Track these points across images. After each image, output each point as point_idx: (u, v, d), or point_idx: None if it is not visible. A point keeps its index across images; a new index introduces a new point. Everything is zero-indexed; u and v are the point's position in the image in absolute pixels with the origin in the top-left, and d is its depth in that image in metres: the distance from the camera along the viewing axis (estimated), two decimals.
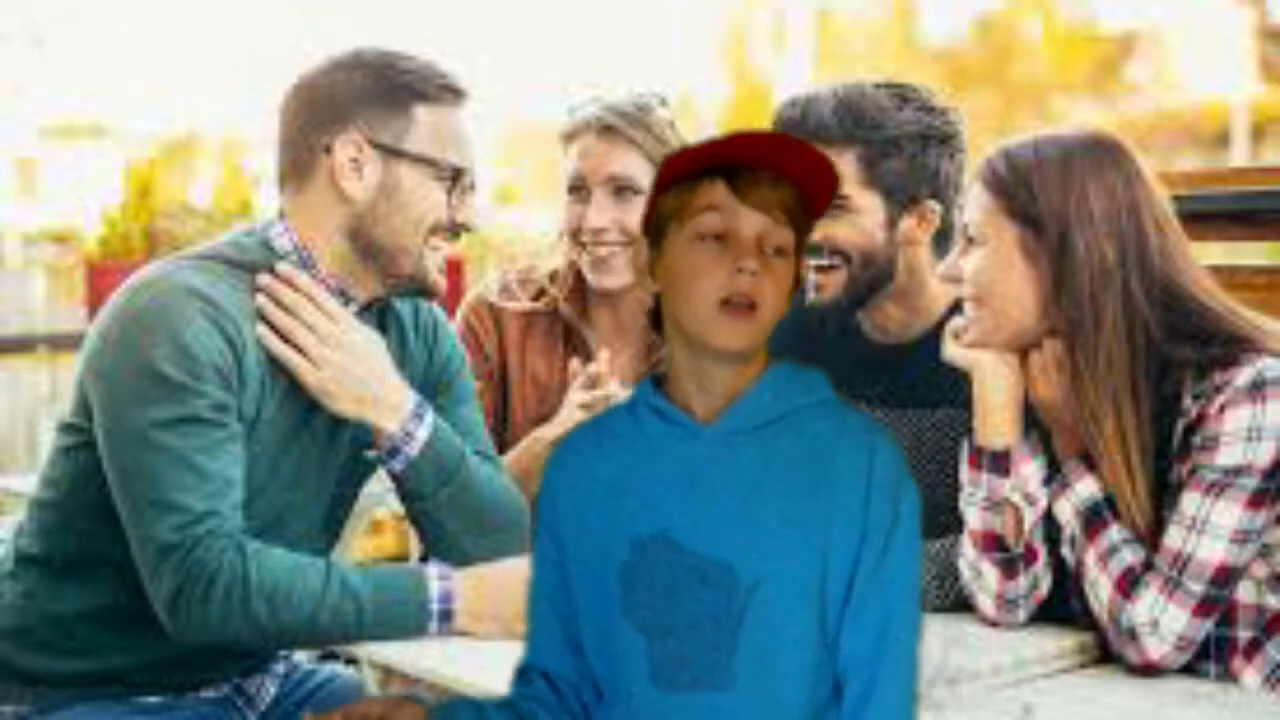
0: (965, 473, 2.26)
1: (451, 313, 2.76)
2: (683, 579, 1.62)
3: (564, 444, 1.77)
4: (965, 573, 2.28)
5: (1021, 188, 2.17)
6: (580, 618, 1.69)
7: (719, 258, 1.61)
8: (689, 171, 1.64)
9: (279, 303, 2.24)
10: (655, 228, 1.68)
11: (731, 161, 1.62)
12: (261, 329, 2.23)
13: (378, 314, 2.40)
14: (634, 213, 2.77)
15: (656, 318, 1.71)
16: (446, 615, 2.17)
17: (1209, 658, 2.12)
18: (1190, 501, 2.06)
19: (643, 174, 2.79)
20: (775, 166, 1.62)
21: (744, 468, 1.64)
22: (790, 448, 1.64)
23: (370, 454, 2.34)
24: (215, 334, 2.15)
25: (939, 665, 1.89)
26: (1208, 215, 3.01)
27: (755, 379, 1.67)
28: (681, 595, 1.62)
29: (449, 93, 2.33)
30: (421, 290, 2.37)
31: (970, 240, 2.24)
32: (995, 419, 2.23)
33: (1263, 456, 2.04)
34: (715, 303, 1.61)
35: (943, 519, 2.38)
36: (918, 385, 2.58)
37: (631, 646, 1.63)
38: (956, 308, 2.36)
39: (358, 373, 2.27)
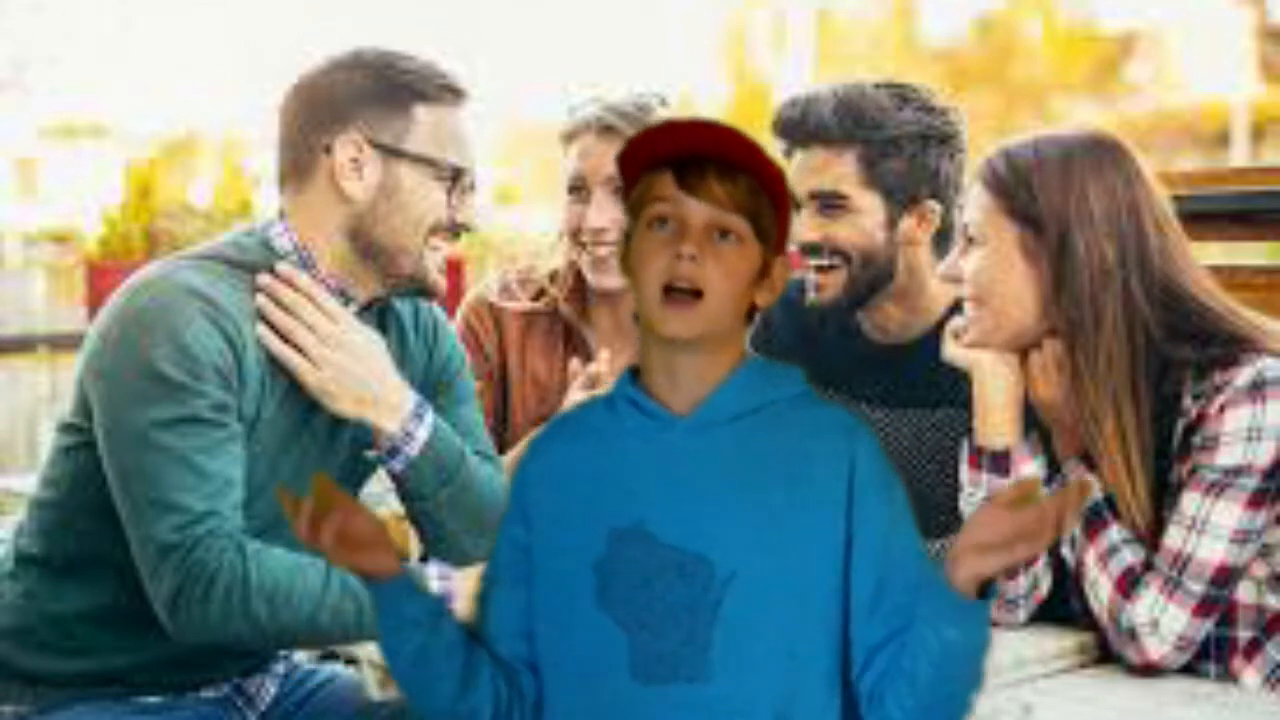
0: (965, 473, 2.26)
1: (451, 313, 2.76)
2: (658, 571, 1.63)
3: (540, 435, 1.78)
4: None
5: (1021, 188, 2.17)
6: (547, 609, 1.70)
7: (665, 245, 1.63)
8: (646, 167, 1.66)
9: (279, 303, 2.24)
10: (627, 225, 1.71)
11: (682, 154, 1.64)
12: (261, 329, 2.23)
13: (378, 314, 2.40)
14: None
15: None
16: None
17: (1209, 658, 2.13)
18: (1190, 501, 2.06)
19: None
20: (725, 157, 1.63)
21: (719, 460, 1.64)
22: (765, 441, 1.65)
23: (370, 454, 2.34)
24: (215, 334, 2.15)
25: None
26: (1208, 215, 3.01)
27: (729, 372, 1.68)
28: (657, 587, 1.62)
29: (449, 93, 2.33)
30: (421, 290, 2.37)
31: (970, 240, 2.24)
32: (995, 419, 2.23)
33: (1263, 456, 2.04)
34: (659, 289, 1.63)
35: (943, 519, 2.38)
36: (918, 385, 2.59)
37: (609, 639, 1.64)
38: (956, 308, 2.36)
39: (358, 373, 2.27)
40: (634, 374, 1.72)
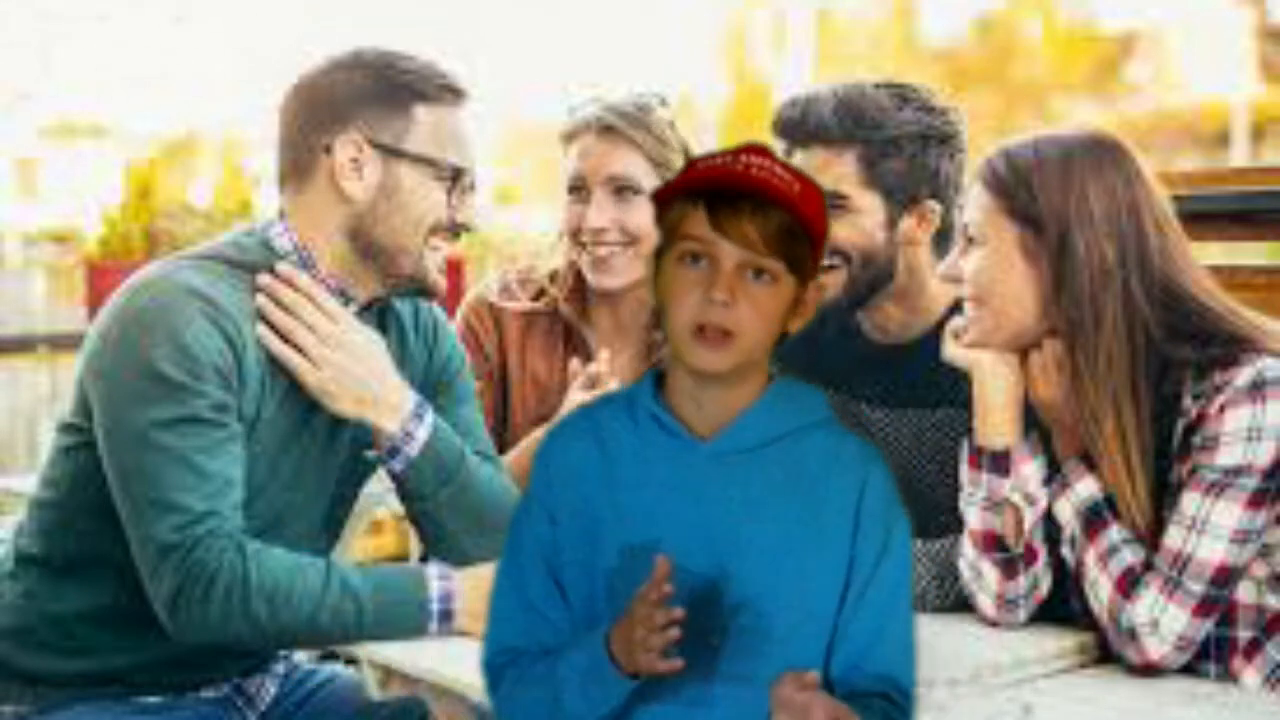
0: (965, 473, 2.26)
1: (451, 313, 2.76)
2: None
3: (559, 429, 1.75)
4: (965, 573, 2.28)
5: (1021, 188, 2.17)
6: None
7: (696, 283, 1.61)
8: (681, 193, 1.63)
9: (279, 303, 2.24)
10: (658, 242, 1.67)
11: (716, 184, 1.60)
12: (261, 329, 2.23)
13: (378, 314, 2.40)
14: (634, 213, 2.77)
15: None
16: (446, 615, 2.17)
17: (1209, 658, 2.12)
18: (1190, 501, 2.06)
19: (643, 174, 2.79)
20: (763, 193, 1.59)
21: (738, 487, 1.63)
22: (784, 470, 1.64)
23: (370, 454, 2.34)
24: (215, 334, 2.16)
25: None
26: (1208, 215, 3.01)
27: (755, 397, 1.66)
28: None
29: (449, 93, 2.33)
30: (421, 290, 2.37)
31: (970, 240, 2.24)
32: (995, 419, 2.23)
33: (1263, 456, 2.04)
34: (691, 327, 1.61)
35: (943, 519, 2.38)
36: (918, 385, 2.58)
37: None
38: (956, 308, 2.36)
39: (358, 373, 2.27)
40: (656, 382, 1.70)
